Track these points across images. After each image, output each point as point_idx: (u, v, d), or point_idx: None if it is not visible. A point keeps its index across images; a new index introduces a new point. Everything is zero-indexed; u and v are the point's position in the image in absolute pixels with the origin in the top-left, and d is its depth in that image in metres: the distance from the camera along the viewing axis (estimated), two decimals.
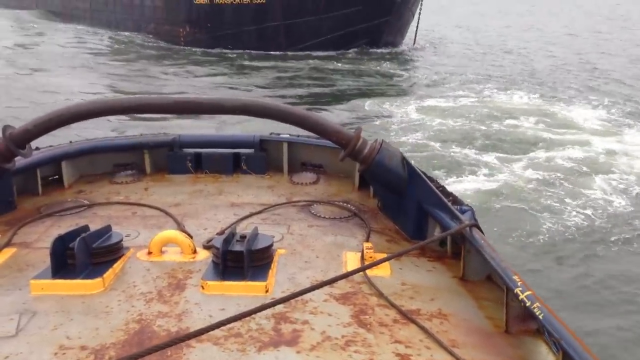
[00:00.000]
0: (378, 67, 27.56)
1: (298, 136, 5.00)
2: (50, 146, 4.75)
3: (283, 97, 21.06)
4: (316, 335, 2.58)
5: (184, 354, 2.41)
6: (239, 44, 32.06)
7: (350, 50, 30.92)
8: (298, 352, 2.46)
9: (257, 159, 5.01)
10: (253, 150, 5.05)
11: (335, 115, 18.13)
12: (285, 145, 5.00)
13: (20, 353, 2.44)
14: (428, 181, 3.71)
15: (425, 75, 26.07)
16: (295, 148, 5.04)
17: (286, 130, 4.95)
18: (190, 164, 4.97)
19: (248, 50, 31.42)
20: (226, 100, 3.70)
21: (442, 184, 4.15)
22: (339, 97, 21.75)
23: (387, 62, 28.85)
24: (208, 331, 2.13)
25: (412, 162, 3.83)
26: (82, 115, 3.58)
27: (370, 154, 3.69)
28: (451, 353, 2.48)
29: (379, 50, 31.15)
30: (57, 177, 4.72)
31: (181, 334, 2.55)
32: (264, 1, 31.28)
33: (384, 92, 22.35)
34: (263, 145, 5.05)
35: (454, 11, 61.16)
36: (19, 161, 3.91)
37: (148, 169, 5.02)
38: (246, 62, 28.99)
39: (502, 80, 25.00)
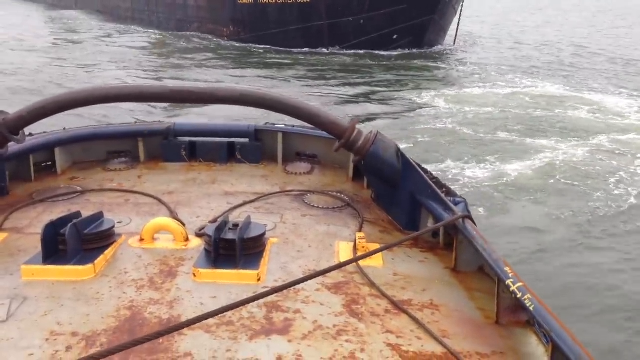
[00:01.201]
0: (421, 65, 27.63)
1: (293, 126, 4.99)
2: (44, 132, 4.73)
3: (319, 92, 21.39)
4: (308, 325, 2.58)
5: (176, 342, 2.41)
6: (283, 43, 31.97)
7: (395, 50, 30.68)
8: (290, 340, 2.46)
9: (252, 148, 5.00)
10: (248, 139, 5.04)
11: (377, 108, 18.75)
12: (280, 135, 4.99)
13: (11, 338, 2.43)
14: (422, 173, 3.71)
15: (470, 73, 26.16)
16: (290, 138, 5.04)
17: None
18: (184, 153, 4.96)
19: (292, 49, 31.45)
20: (221, 89, 3.68)
21: (435, 175, 4.15)
22: (383, 91, 22.06)
23: (430, 61, 28.74)
24: (201, 320, 2.13)
25: (407, 154, 3.84)
26: (78, 102, 3.55)
27: (364, 145, 3.69)
28: (442, 343, 2.49)
29: (422, 51, 30.89)
30: (50, 163, 4.70)
31: (172, 321, 2.55)
32: (309, 0, 31.12)
33: (430, 87, 22.63)
34: (258, 134, 5.04)
35: (485, 10, 61.17)
36: (12, 147, 3.89)
37: (142, 156, 5.01)
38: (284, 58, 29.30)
39: (552, 74, 25.67)
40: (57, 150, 4.67)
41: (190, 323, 2.13)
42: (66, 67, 24.66)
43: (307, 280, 2.50)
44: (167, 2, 39.90)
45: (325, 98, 20.19)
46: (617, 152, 14.33)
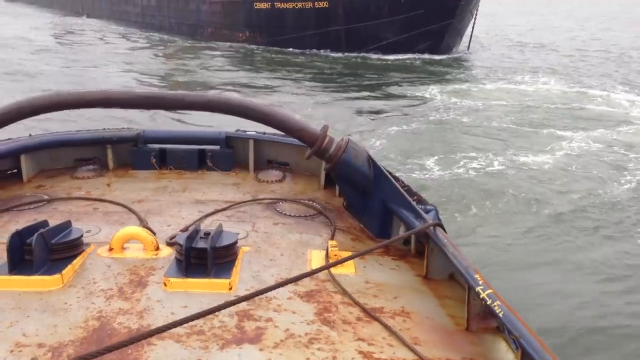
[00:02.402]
0: (438, 70, 27.88)
1: (264, 133, 4.98)
2: (9, 139, 4.63)
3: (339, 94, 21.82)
4: (279, 333, 2.57)
5: (145, 352, 2.37)
6: (300, 48, 31.93)
7: (412, 55, 30.74)
8: (261, 349, 2.45)
9: (223, 155, 4.97)
10: (219, 146, 5.01)
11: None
12: (251, 143, 4.98)
13: None
14: (393, 180, 3.73)
15: (493, 77, 26.58)
16: (262, 145, 5.02)
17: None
18: (154, 160, 4.90)
19: (309, 50, 31.42)
20: (190, 95, 3.65)
21: (407, 183, 4.18)
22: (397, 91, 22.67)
23: (447, 68, 28.93)
24: (170, 328, 2.10)
25: (379, 162, 3.86)
26: (43, 108, 3.48)
27: (336, 152, 3.70)
28: (413, 351, 2.50)
29: (437, 57, 30.88)
30: (15, 171, 4.60)
31: (142, 331, 2.51)
32: (327, 5, 31.05)
33: (448, 87, 23.30)
34: (229, 142, 5.01)
35: (498, 14, 62.12)
36: None
37: (111, 164, 4.93)
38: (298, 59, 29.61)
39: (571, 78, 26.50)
40: (22, 158, 4.57)
41: (159, 331, 2.10)
42: (72, 69, 25.12)
43: (278, 288, 2.49)
44: (179, 7, 39.62)
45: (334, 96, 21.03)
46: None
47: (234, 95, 3.96)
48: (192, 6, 38.49)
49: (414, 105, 20.13)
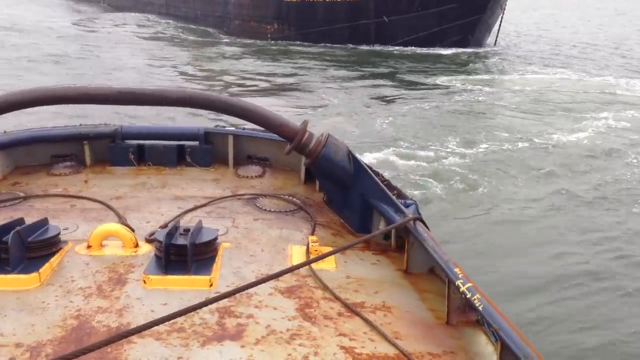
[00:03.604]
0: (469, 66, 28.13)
1: (244, 129, 4.96)
2: None
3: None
4: (261, 329, 2.57)
5: (125, 350, 2.35)
6: (329, 41, 31.65)
7: (442, 49, 30.63)
8: (242, 346, 2.44)
9: (202, 151, 4.94)
10: (198, 142, 4.97)
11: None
12: (230, 138, 4.95)
13: None
14: (373, 175, 3.74)
15: (525, 69, 27.10)
16: (241, 141, 5.00)
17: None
18: (132, 156, 4.85)
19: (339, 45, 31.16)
20: (169, 91, 3.62)
21: (386, 177, 4.19)
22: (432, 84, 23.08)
23: (478, 63, 29.08)
24: (150, 327, 2.08)
25: (358, 155, 3.87)
26: (18, 104, 3.41)
27: (316, 147, 3.69)
28: (394, 345, 2.52)
29: (468, 50, 30.96)
30: None
31: (122, 329, 2.49)
32: None
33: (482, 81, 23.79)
34: (208, 137, 4.98)
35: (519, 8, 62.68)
36: None
37: (88, 160, 4.87)
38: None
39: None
40: None
41: (139, 330, 2.08)
42: (94, 57, 25.58)
43: (258, 284, 2.49)
44: None
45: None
46: None
47: (211, 92, 3.90)
48: None
49: (458, 94, 21.02)
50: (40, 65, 22.82)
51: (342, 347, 2.48)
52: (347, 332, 2.60)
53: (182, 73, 23.75)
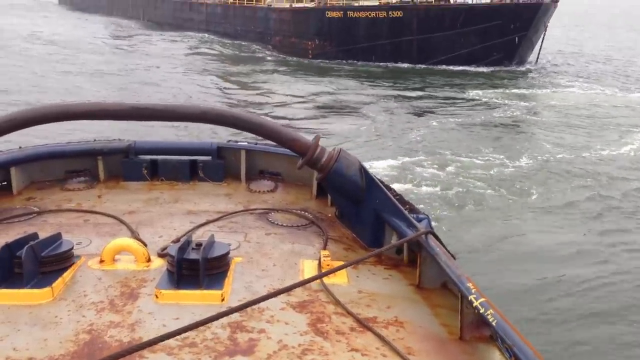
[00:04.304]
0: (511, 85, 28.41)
1: (256, 144, 4.98)
2: None
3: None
4: (272, 344, 2.56)
5: None
6: (371, 57, 31.72)
7: (484, 67, 30.62)
8: None
9: (215, 166, 4.96)
10: (210, 157, 5.00)
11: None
12: (243, 153, 4.97)
13: None
14: (385, 190, 3.73)
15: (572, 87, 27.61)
16: (253, 156, 5.02)
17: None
18: (145, 171, 4.88)
19: (381, 63, 31.23)
20: (182, 107, 3.65)
21: (399, 193, 4.18)
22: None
23: (520, 80, 29.23)
24: (161, 341, 2.08)
25: (370, 170, 3.86)
26: (34, 120, 3.46)
27: (328, 162, 3.70)
28: None
29: (509, 68, 30.94)
30: (5, 183, 4.56)
31: (133, 344, 2.49)
32: (401, 14, 30.90)
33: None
34: (220, 152, 5.00)
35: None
36: None
37: (102, 175, 4.91)
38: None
39: None
40: (12, 170, 4.54)
41: (150, 344, 2.08)
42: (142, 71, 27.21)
43: (270, 297, 2.48)
44: (246, 15, 39.69)
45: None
46: None
47: (223, 107, 3.96)
48: (260, 14, 38.60)
49: (498, 109, 21.85)
50: (88, 78, 24.30)
51: None
52: (359, 347, 2.58)
53: (220, 89, 24.51)
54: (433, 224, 3.70)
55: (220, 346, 2.52)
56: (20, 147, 4.79)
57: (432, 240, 3.15)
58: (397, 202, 3.63)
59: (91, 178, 4.87)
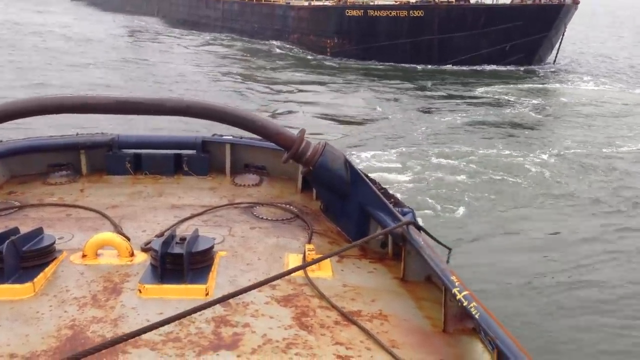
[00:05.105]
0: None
1: (241, 138, 4.96)
2: None
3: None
4: (257, 339, 2.55)
5: (119, 359, 2.34)
6: (390, 56, 31.50)
7: (505, 66, 30.54)
8: (238, 355, 2.42)
9: (199, 160, 4.94)
10: (195, 151, 4.97)
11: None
12: (228, 147, 4.95)
13: None
14: (370, 183, 3.74)
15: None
16: (239, 149, 4.99)
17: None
18: (129, 165, 4.84)
19: (398, 64, 31.03)
20: (168, 100, 3.61)
21: (384, 186, 4.19)
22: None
23: (538, 79, 29.29)
24: (142, 333, 2.07)
25: (355, 164, 3.86)
26: (15, 113, 3.41)
27: (313, 156, 3.69)
28: (391, 353, 2.50)
29: (529, 67, 30.96)
30: None
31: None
32: (422, 14, 30.72)
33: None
34: (205, 146, 4.98)
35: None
36: None
37: (84, 169, 4.86)
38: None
39: None
40: None
41: (130, 336, 2.06)
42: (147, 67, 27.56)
43: (253, 289, 2.48)
44: (263, 12, 39.30)
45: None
46: None
47: (208, 101, 3.92)
48: (278, 11, 38.33)
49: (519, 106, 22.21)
50: (106, 72, 25.10)
51: (339, 356, 2.47)
52: (344, 341, 2.59)
53: (234, 84, 24.78)
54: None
55: (205, 341, 2.51)
56: (1, 141, 4.72)
57: (416, 233, 3.16)
58: (381, 196, 3.63)
59: (74, 172, 4.82)
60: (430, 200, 11.75)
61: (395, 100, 22.94)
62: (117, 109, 3.55)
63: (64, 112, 3.49)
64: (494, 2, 32.76)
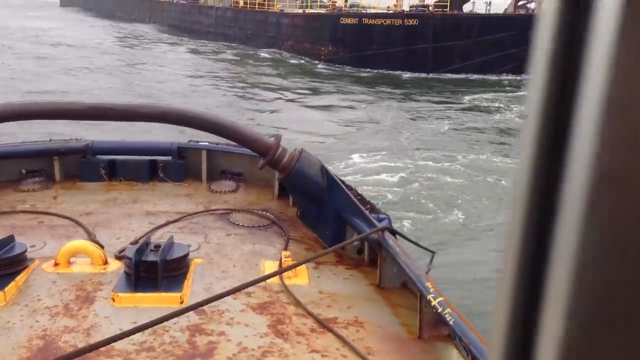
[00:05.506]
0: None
1: (217, 144, 4.93)
2: None
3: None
4: (232, 347, 2.53)
5: None
6: (384, 64, 31.38)
7: (498, 76, 30.46)
8: None
9: (175, 166, 4.90)
10: (171, 157, 4.93)
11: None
12: (204, 153, 4.92)
13: None
14: (346, 190, 3.74)
15: None
16: (215, 156, 4.97)
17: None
18: (103, 172, 4.78)
19: (392, 72, 30.93)
20: (143, 106, 3.59)
21: (360, 192, 4.20)
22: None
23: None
24: (114, 342, 2.04)
25: (331, 170, 3.87)
26: None
27: (289, 162, 3.69)
28: None
29: (520, 77, 30.75)
30: None
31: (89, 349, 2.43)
32: (417, 23, 30.73)
33: None
34: (181, 152, 4.94)
35: None
36: None
37: (58, 176, 4.79)
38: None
39: None
40: None
41: (103, 344, 2.04)
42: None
43: (227, 296, 2.46)
44: (257, 19, 38.86)
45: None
46: None
47: (184, 107, 3.91)
48: (272, 18, 37.95)
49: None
50: (100, 76, 25.14)
51: None
52: (320, 348, 2.58)
53: (226, 91, 24.54)
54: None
55: (179, 350, 2.48)
56: None
57: (391, 240, 3.17)
58: (357, 202, 3.64)
59: (47, 179, 4.74)
60: (417, 204, 11.80)
61: (386, 106, 23.09)
62: (89, 115, 3.50)
63: (32, 118, 3.43)
64: (487, 12, 33.15)
